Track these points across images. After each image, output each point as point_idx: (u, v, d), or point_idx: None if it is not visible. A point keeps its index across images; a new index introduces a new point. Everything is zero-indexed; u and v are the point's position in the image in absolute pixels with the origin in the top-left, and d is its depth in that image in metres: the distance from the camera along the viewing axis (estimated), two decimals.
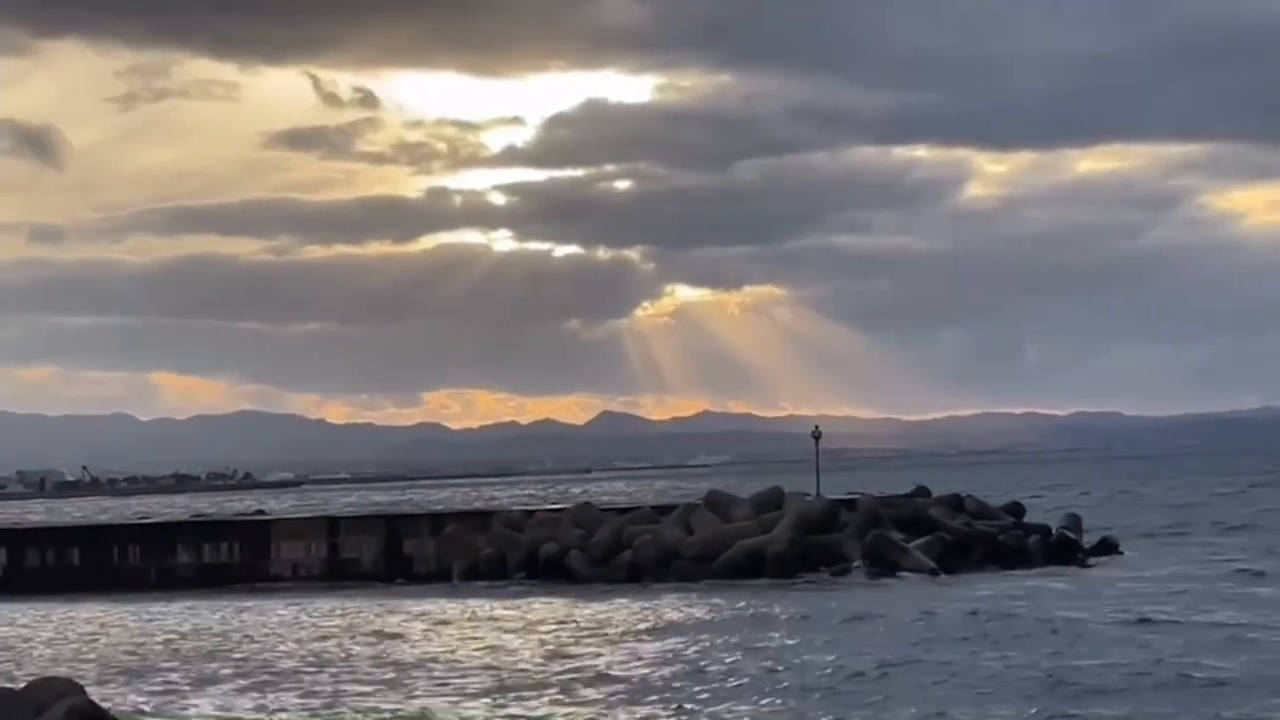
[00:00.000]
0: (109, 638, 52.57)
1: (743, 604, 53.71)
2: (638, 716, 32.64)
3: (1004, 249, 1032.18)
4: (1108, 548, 74.04)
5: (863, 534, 64.73)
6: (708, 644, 43.45)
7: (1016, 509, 77.20)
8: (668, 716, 32.59)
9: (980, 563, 66.56)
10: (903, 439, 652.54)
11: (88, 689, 23.87)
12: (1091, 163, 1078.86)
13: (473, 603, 58.65)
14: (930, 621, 46.82)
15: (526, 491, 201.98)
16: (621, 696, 35.10)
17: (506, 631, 48.95)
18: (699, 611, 52.46)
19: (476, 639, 47.09)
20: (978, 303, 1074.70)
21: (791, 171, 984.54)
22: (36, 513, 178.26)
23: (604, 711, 33.26)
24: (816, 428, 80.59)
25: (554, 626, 49.56)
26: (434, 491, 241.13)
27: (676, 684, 36.51)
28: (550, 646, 44.51)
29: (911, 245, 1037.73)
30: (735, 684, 36.16)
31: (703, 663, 39.91)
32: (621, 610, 53.44)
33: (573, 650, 43.36)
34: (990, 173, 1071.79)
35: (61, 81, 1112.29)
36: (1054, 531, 74.18)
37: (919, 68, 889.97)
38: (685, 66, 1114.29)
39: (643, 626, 48.55)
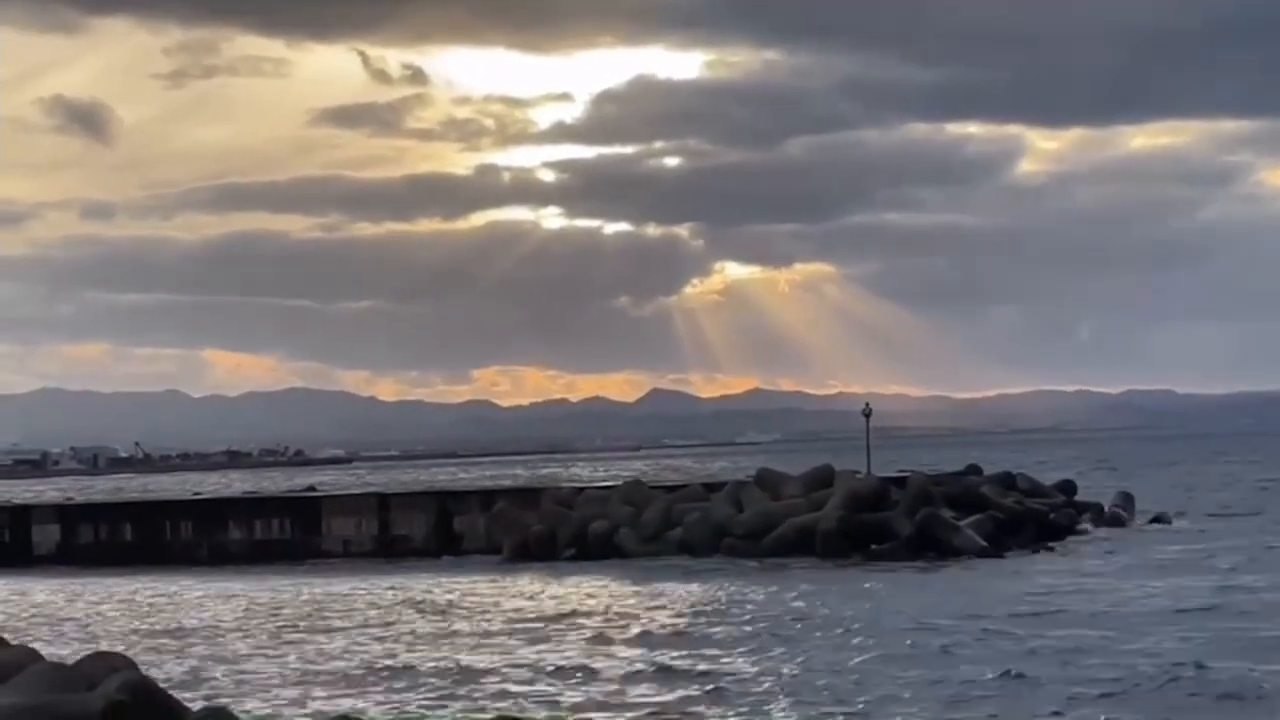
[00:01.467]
0: (165, 612, 52.83)
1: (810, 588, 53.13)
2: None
3: (1056, 226, 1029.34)
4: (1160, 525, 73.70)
5: (913, 512, 64.57)
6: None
7: (1068, 487, 77.03)
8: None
9: (1030, 541, 66.29)
10: (954, 417, 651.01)
11: (140, 663, 24.00)
12: (1145, 139, 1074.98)
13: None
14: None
15: (575, 469, 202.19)
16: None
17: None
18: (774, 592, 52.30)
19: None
20: (1029, 280, 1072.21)
21: (841, 148, 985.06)
22: (90, 489, 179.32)
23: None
24: (867, 405, 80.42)
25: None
26: (483, 469, 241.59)
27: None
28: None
29: (963, 222, 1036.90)
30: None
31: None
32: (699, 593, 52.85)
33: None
34: (1043, 149, 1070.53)
35: (111, 59, 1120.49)
36: (1106, 509, 73.98)
37: (970, 42, 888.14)
38: (734, 42, 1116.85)
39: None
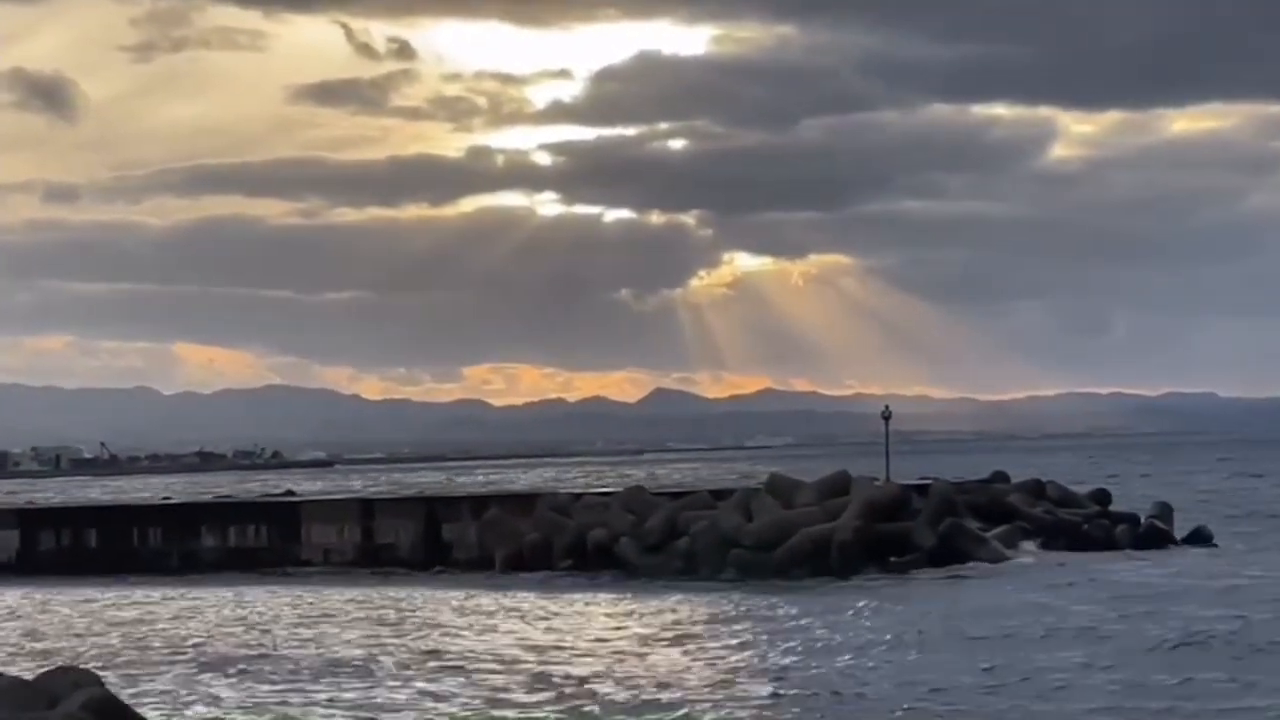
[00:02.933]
0: (129, 623, 52.93)
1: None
2: None
3: (1090, 216, 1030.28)
4: (1200, 539, 73.66)
5: (936, 522, 64.59)
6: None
7: (1102, 496, 77.02)
8: None
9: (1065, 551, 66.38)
10: (979, 420, 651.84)
11: (105, 678, 24.05)
12: (1186, 122, 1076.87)
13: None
14: None
15: (573, 474, 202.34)
16: None
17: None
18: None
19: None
20: (1061, 274, 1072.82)
21: (859, 130, 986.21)
22: (51, 492, 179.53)
23: None
24: (886, 408, 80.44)
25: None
26: (475, 473, 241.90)
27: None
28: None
29: (989, 211, 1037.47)
30: None
31: None
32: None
33: None
34: (1076, 133, 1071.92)
35: (75, 29, 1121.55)
36: (1143, 520, 73.97)
37: (999, 17, 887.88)
38: (744, 16, 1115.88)
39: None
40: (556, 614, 52.21)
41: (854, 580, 59.64)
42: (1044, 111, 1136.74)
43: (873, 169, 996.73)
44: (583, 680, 37.64)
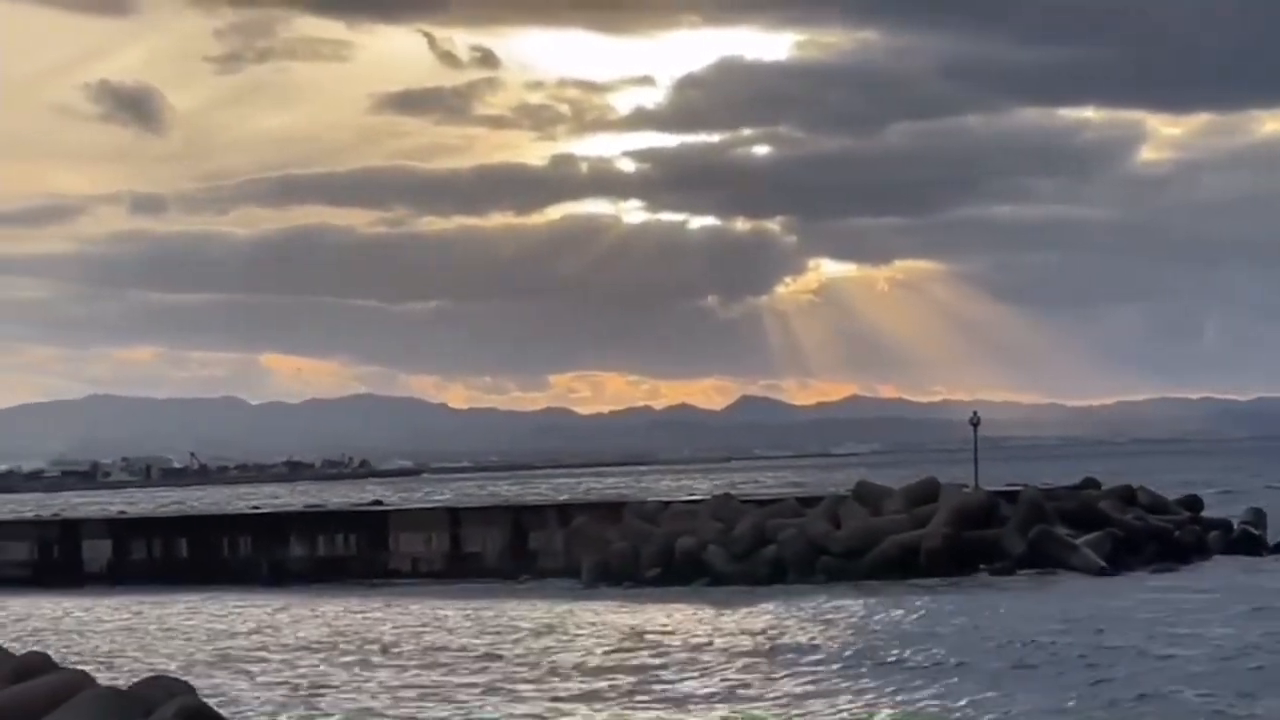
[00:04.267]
0: (223, 633, 53.30)
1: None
2: None
3: (1180, 218, 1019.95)
4: None
5: (1025, 529, 64.28)
6: None
7: (1194, 502, 76.47)
8: None
9: (1152, 560, 65.96)
10: (1068, 426, 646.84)
11: (198, 688, 24.26)
12: (1277, 124, 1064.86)
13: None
14: None
15: (661, 482, 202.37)
16: None
17: None
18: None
19: None
20: (1151, 277, 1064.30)
21: (945, 135, 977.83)
22: (142, 502, 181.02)
23: None
24: (975, 414, 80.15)
25: None
26: (561, 481, 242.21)
27: None
28: None
29: (1077, 215, 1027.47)
30: None
31: None
32: None
33: None
34: (1165, 135, 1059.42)
35: (160, 41, 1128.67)
36: (1235, 527, 73.40)
37: (1086, 19, 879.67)
38: (827, 21, 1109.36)
39: None
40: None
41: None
42: (1132, 114, 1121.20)
43: (959, 174, 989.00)
44: None
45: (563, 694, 37.62)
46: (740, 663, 41.60)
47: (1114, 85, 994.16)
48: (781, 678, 38.94)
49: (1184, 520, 72.44)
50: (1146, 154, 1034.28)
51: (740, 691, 37.15)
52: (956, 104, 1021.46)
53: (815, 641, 45.34)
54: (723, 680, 38.80)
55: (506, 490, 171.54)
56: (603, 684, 38.88)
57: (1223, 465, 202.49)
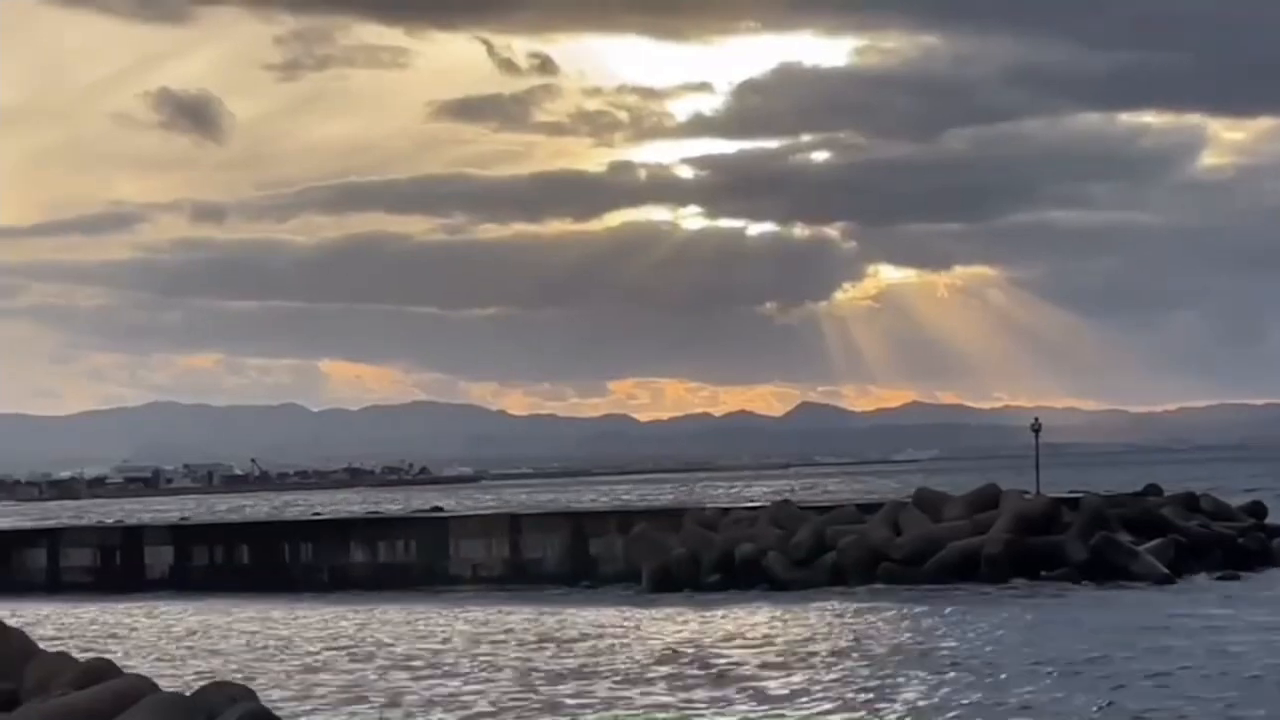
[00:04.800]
0: (284, 639, 53.45)
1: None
2: None
3: (1241, 224, 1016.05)
4: None
5: (1087, 535, 63.95)
6: None
7: (1258, 509, 76.00)
8: None
9: (1215, 568, 65.59)
10: (1130, 432, 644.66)
11: (261, 695, 24.32)
12: None
13: None
14: None
15: (720, 489, 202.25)
16: None
17: None
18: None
19: None
20: (1212, 283, 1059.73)
21: (1005, 140, 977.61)
22: (204, 508, 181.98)
23: None
24: (1036, 420, 79.93)
25: None
26: (621, 488, 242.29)
27: None
28: None
29: (1138, 220, 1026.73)
30: None
31: None
32: None
33: None
34: (1226, 140, 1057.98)
35: (220, 49, 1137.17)
36: None
37: (1147, 24, 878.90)
38: (887, 26, 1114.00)
39: None
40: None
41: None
42: (1193, 119, 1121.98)
43: (1019, 179, 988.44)
44: None
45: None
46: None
47: (1175, 90, 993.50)
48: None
49: (1248, 527, 72.01)
50: (1208, 159, 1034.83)
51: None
52: (1016, 109, 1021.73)
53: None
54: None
55: (565, 497, 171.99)
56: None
57: None
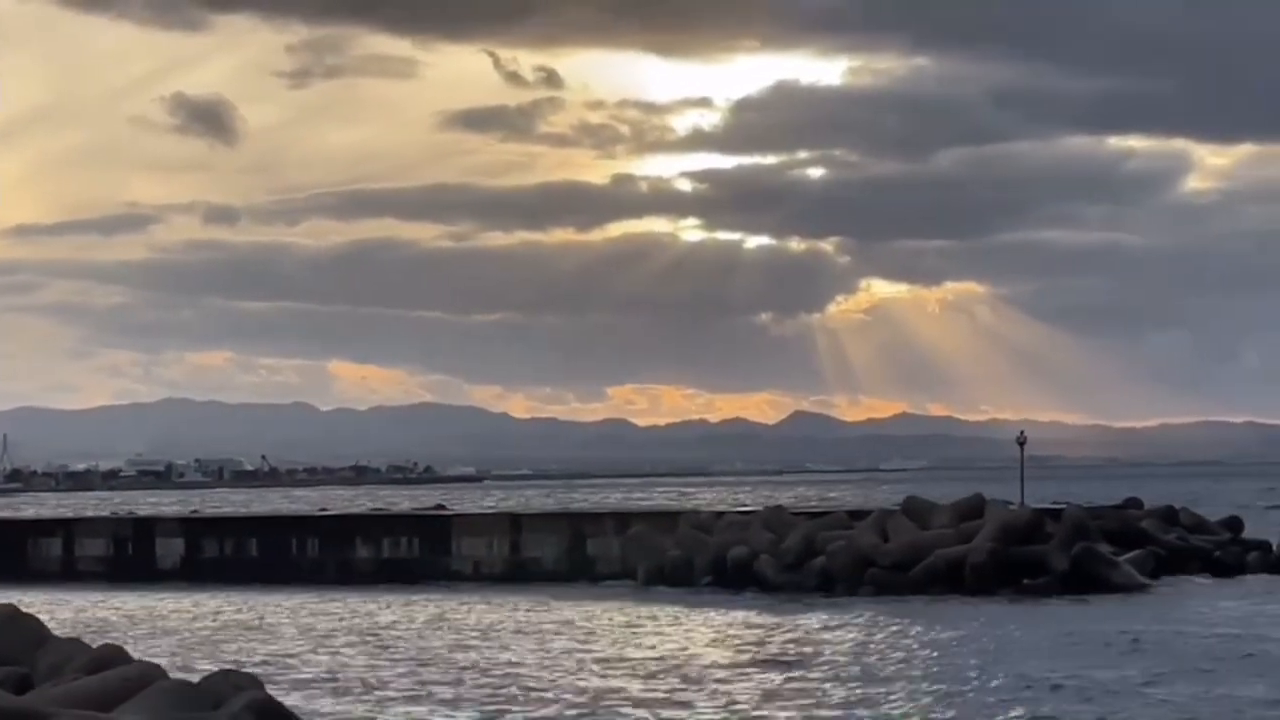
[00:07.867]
0: (293, 629, 53.44)
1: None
2: None
3: (1225, 246, 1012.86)
4: None
5: (1069, 546, 63.94)
6: None
7: (1235, 523, 76.02)
8: None
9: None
10: (1113, 447, 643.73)
11: (267, 683, 24.31)
12: None
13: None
14: None
15: (714, 493, 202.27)
16: None
17: None
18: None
19: None
20: (1195, 303, 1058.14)
21: (995, 161, 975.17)
22: (214, 502, 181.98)
23: None
24: (1021, 433, 79.96)
25: None
26: (618, 491, 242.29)
27: None
28: None
29: (1124, 241, 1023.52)
30: None
31: None
32: None
33: None
34: (1211, 165, 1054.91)
35: (234, 57, 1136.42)
36: (1275, 547, 72.91)
37: (1134, 50, 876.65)
38: (881, 48, 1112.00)
39: None
40: None
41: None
42: (1179, 143, 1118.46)
43: (1008, 199, 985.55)
44: None
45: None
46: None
47: (1161, 115, 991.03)
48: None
49: (1224, 540, 72.06)
50: (1192, 183, 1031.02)
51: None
52: (1006, 131, 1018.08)
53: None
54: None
55: (566, 498, 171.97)
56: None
57: (1264, 488, 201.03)
